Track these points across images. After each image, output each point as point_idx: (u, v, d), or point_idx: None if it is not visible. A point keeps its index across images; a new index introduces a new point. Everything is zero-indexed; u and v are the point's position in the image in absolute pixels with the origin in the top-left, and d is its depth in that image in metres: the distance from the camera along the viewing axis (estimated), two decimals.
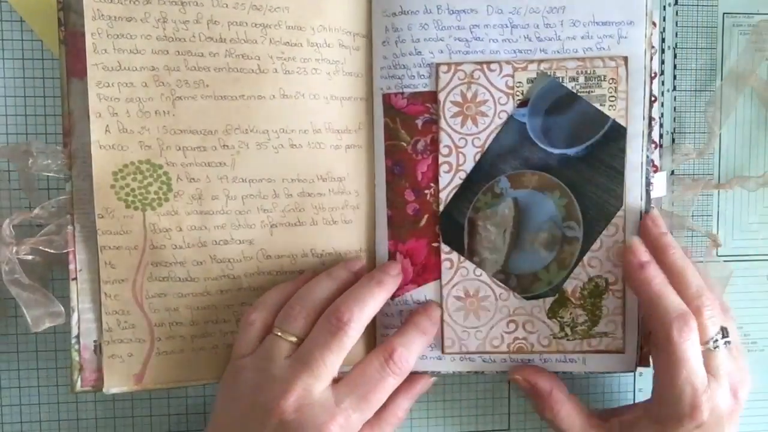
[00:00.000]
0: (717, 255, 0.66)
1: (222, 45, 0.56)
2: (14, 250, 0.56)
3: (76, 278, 0.56)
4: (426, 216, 0.60)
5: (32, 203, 0.59)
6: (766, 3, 0.65)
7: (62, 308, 0.57)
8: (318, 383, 0.52)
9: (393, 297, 0.60)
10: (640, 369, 0.60)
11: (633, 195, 0.58)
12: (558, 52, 0.58)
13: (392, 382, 0.55)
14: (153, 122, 0.55)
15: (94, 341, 0.57)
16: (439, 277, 0.60)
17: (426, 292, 0.60)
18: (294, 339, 0.54)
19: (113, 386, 0.57)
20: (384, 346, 0.56)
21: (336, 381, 0.54)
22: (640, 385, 0.68)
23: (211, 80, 0.56)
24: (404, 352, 0.55)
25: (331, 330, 0.53)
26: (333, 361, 0.53)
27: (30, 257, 0.57)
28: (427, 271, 0.60)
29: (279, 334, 0.54)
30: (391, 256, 0.60)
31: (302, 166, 0.58)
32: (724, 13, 0.66)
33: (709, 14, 0.66)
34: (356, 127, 0.60)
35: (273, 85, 0.57)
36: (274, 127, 0.57)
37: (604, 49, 0.57)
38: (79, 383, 0.57)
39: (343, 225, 0.60)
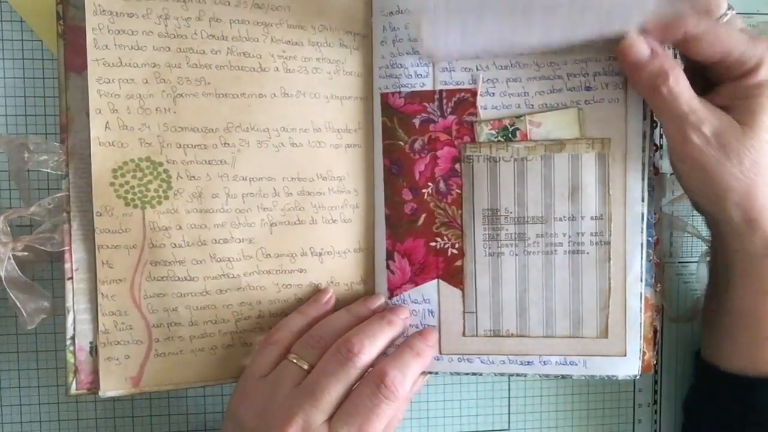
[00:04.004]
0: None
1: (224, 43, 0.55)
2: (10, 248, 0.54)
3: (72, 278, 0.55)
4: (424, 215, 0.59)
5: (23, 197, 0.58)
6: (766, 3, 0.64)
7: (49, 302, 0.57)
8: (319, 414, 0.51)
9: (391, 296, 0.59)
10: None
11: (634, 196, 0.57)
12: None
13: (386, 409, 0.52)
14: (153, 119, 0.54)
15: (90, 342, 0.55)
16: (437, 277, 0.59)
17: (423, 291, 0.59)
18: (307, 366, 0.53)
19: (109, 389, 0.55)
20: (375, 371, 0.53)
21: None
22: (640, 385, 0.68)
23: (212, 78, 0.55)
24: (398, 375, 0.53)
25: (340, 360, 0.52)
26: (338, 392, 0.52)
27: (24, 254, 0.56)
28: (425, 270, 0.59)
29: (294, 360, 0.54)
30: (389, 255, 0.59)
31: (302, 164, 0.57)
32: None
33: None
34: (356, 127, 0.59)
35: (274, 84, 0.56)
36: (274, 125, 0.56)
37: None
38: (74, 386, 0.55)
39: (343, 224, 0.59)
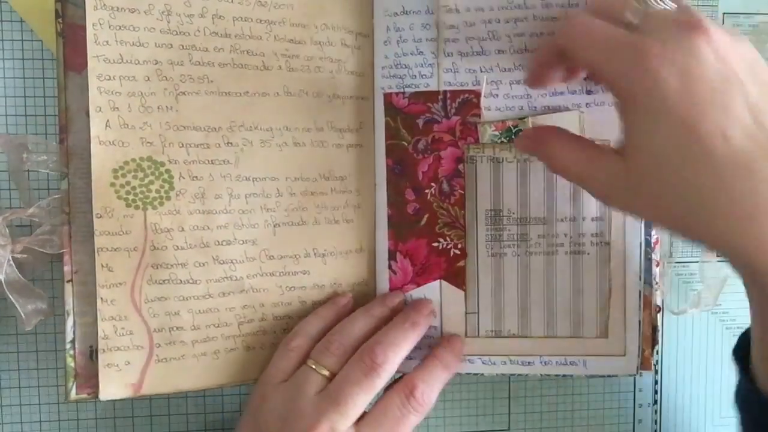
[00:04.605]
0: (716, 255, 0.63)
1: (227, 40, 0.53)
2: (9, 250, 0.53)
3: (71, 280, 0.52)
4: (426, 216, 0.57)
5: (22, 197, 0.56)
6: (766, 3, 0.64)
7: (47, 303, 0.55)
8: (344, 421, 0.50)
9: None
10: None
11: None
12: None
13: (414, 420, 0.52)
14: (155, 118, 0.52)
15: (90, 347, 0.53)
16: (440, 278, 0.58)
17: (426, 292, 0.58)
18: (327, 373, 0.52)
19: (110, 395, 0.53)
20: (405, 383, 0.53)
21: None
22: (640, 386, 0.67)
23: (215, 76, 0.53)
24: (426, 389, 0.53)
25: (364, 370, 0.51)
26: (362, 401, 0.51)
27: (23, 256, 0.54)
28: (427, 271, 0.58)
29: (313, 366, 0.52)
30: (392, 256, 0.58)
31: (305, 164, 0.56)
32: (724, 13, 0.64)
33: (709, 14, 0.64)
34: (358, 126, 0.58)
35: (277, 82, 0.54)
36: (278, 124, 0.55)
37: None
38: (74, 391, 0.53)
39: (345, 224, 0.58)
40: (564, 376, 0.58)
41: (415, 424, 0.53)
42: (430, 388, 0.53)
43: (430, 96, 0.57)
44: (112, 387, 0.53)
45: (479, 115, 0.56)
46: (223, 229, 0.54)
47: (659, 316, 0.57)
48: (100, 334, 0.52)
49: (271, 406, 0.52)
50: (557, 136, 0.49)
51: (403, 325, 0.55)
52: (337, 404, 0.50)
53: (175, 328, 0.54)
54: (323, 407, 0.50)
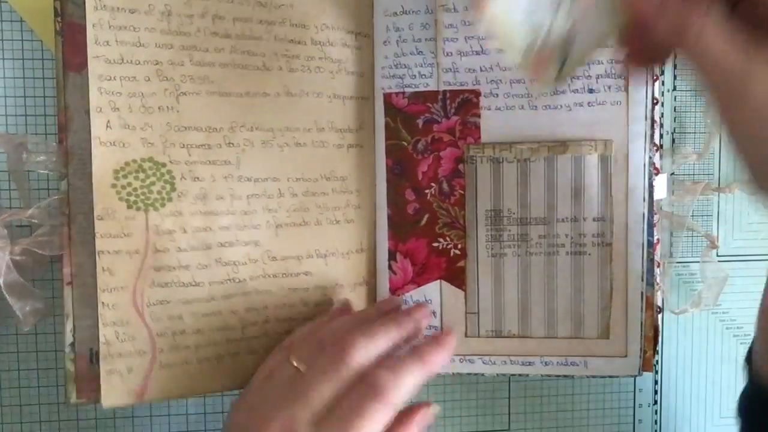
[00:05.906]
0: (716, 255, 0.63)
1: (227, 41, 0.52)
2: (8, 252, 0.52)
3: (71, 283, 0.51)
4: (426, 216, 0.57)
5: (22, 197, 0.55)
6: None
7: (45, 304, 0.55)
8: (305, 412, 0.45)
9: None
10: None
11: (636, 197, 0.55)
12: None
13: (375, 407, 0.45)
14: (156, 118, 0.51)
15: (91, 349, 0.52)
16: (440, 278, 0.57)
17: (426, 292, 0.58)
18: (304, 368, 0.47)
19: (112, 402, 0.52)
20: (366, 372, 0.47)
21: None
22: (640, 386, 0.66)
23: (215, 76, 0.52)
24: (385, 374, 0.46)
25: (332, 358, 0.47)
26: (328, 391, 0.46)
27: (22, 257, 0.53)
28: (427, 271, 0.58)
29: (293, 362, 0.48)
30: (392, 256, 0.58)
31: (306, 164, 0.55)
32: None
33: None
34: (358, 127, 0.57)
35: (278, 83, 0.54)
36: (278, 125, 0.54)
37: None
38: (74, 396, 0.52)
39: (346, 224, 0.57)
40: (565, 376, 0.58)
41: (381, 418, 0.46)
42: (396, 376, 0.46)
43: (430, 96, 0.56)
44: (115, 394, 0.52)
45: (479, 115, 0.56)
46: (225, 231, 0.53)
47: (660, 316, 0.57)
48: (102, 339, 0.51)
49: (244, 400, 0.50)
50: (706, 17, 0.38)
51: (382, 320, 0.50)
52: (302, 395, 0.46)
53: (178, 333, 0.53)
54: (288, 397, 0.46)
